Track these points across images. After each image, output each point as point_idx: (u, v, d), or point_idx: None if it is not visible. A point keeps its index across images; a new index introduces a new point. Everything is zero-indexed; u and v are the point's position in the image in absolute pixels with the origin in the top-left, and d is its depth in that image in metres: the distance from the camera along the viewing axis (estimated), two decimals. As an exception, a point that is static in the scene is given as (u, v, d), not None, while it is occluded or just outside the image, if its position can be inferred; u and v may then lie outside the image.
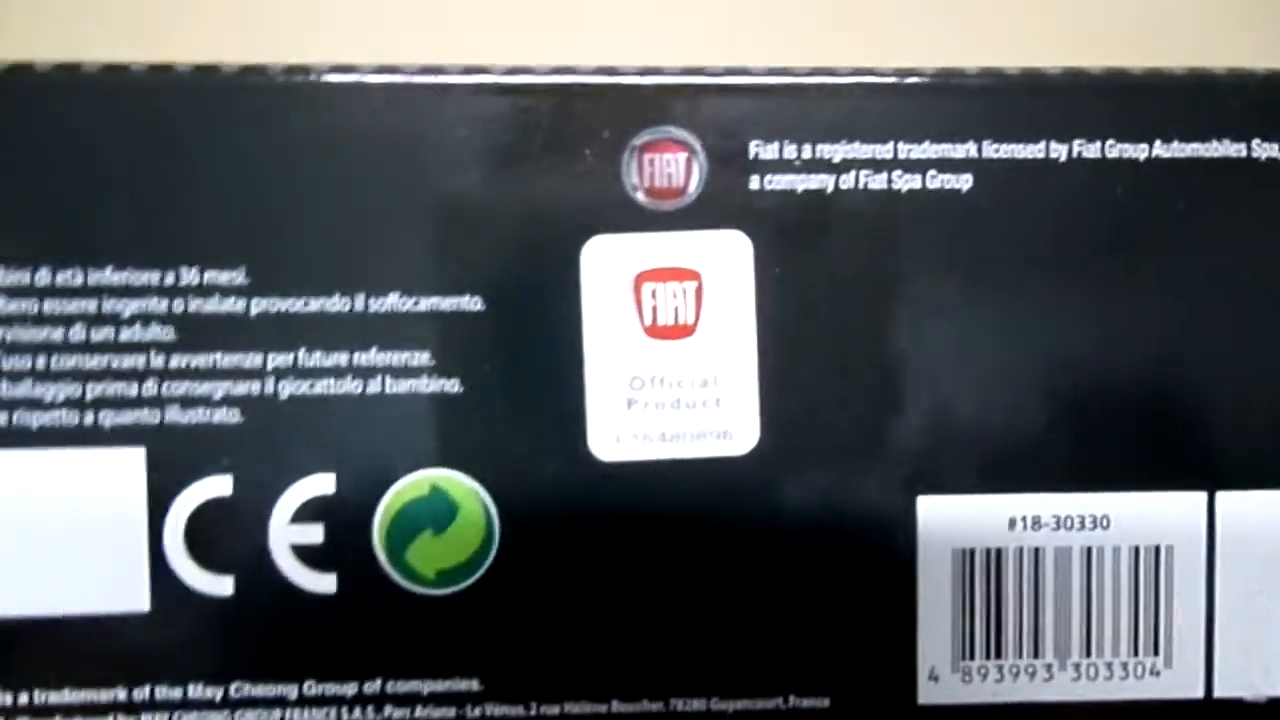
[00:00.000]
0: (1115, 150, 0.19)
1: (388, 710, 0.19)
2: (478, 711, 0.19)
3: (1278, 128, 0.19)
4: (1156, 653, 0.19)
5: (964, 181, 0.19)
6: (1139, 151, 0.19)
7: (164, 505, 0.18)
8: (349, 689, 0.19)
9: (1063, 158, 0.19)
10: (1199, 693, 0.20)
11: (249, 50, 0.19)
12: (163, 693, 0.18)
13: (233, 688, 0.18)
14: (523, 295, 0.19)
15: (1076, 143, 0.19)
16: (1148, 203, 0.19)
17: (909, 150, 0.19)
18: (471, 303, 0.19)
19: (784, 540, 0.19)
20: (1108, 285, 0.19)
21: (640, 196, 0.19)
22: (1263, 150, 0.19)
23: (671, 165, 0.19)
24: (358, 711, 0.19)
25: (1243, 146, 0.19)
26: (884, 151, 0.19)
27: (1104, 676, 0.19)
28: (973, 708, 0.19)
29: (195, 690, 0.18)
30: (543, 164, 0.18)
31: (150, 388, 0.18)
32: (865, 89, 0.19)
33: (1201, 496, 0.19)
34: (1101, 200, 0.19)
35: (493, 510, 0.19)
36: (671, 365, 0.19)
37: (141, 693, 0.18)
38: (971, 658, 0.19)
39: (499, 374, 0.19)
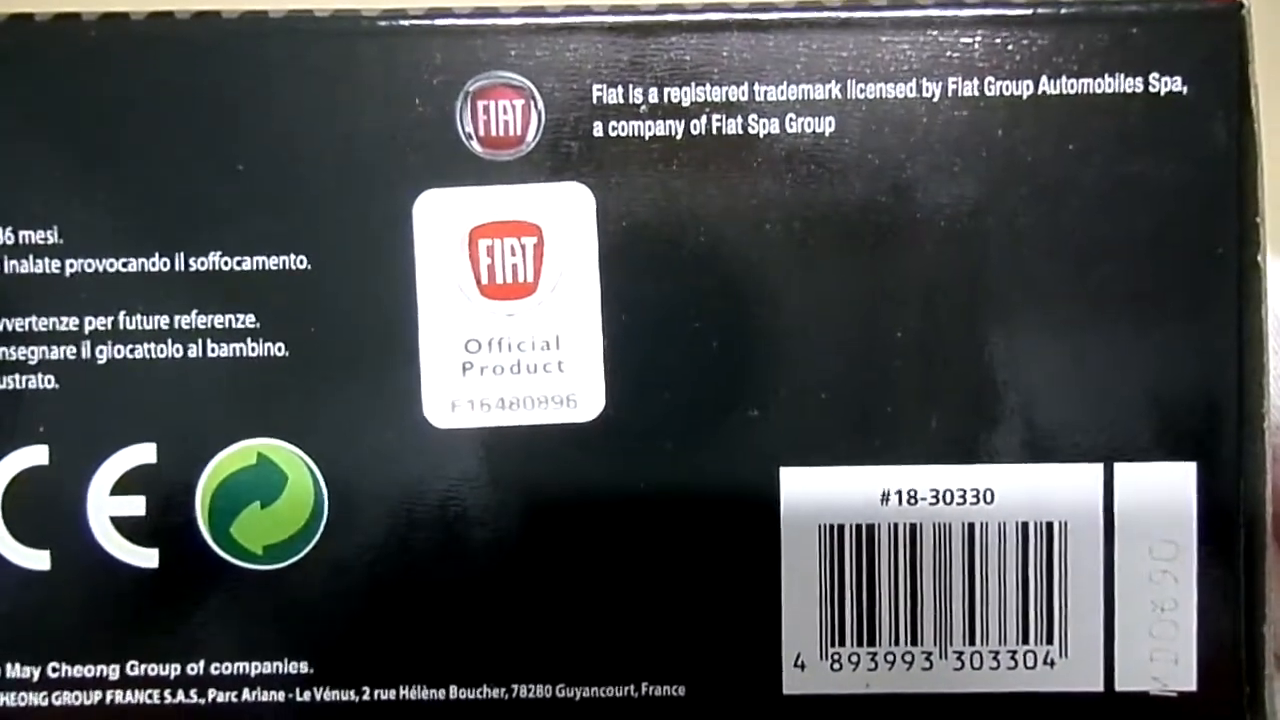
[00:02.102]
0: (995, 88, 0.17)
1: (212, 693, 0.18)
2: (307, 696, 0.18)
3: (1179, 59, 0.17)
4: (1050, 640, 0.18)
5: (826, 125, 0.17)
6: (1022, 89, 0.17)
7: (-22, 475, 0.17)
8: (172, 670, 0.18)
9: (936, 98, 0.17)
10: (1098, 685, 0.18)
11: None
12: (-22, 672, 0.18)
13: (50, 667, 0.18)
14: (351, 253, 0.17)
15: (951, 81, 0.17)
16: (1033, 146, 0.17)
17: (765, 92, 0.17)
18: (297, 262, 0.17)
19: (633, 514, 0.18)
20: (989, 238, 0.17)
21: (475, 146, 0.17)
22: (1162, 84, 0.17)
23: (508, 113, 0.17)
24: (181, 694, 0.18)
25: (1139, 81, 0.17)
26: (739, 94, 0.17)
27: (990, 666, 0.18)
28: (843, 698, 0.18)
29: (11, 670, 0.18)
30: (369, 114, 0.17)
31: (-37, 353, 0.17)
32: (717, 26, 0.17)
33: (1097, 469, 0.18)
34: (980, 144, 0.17)
35: (321, 481, 0.18)
36: (510, 327, 0.18)
37: (-45, 671, 0.18)
38: (842, 644, 0.18)
39: (327, 337, 0.17)
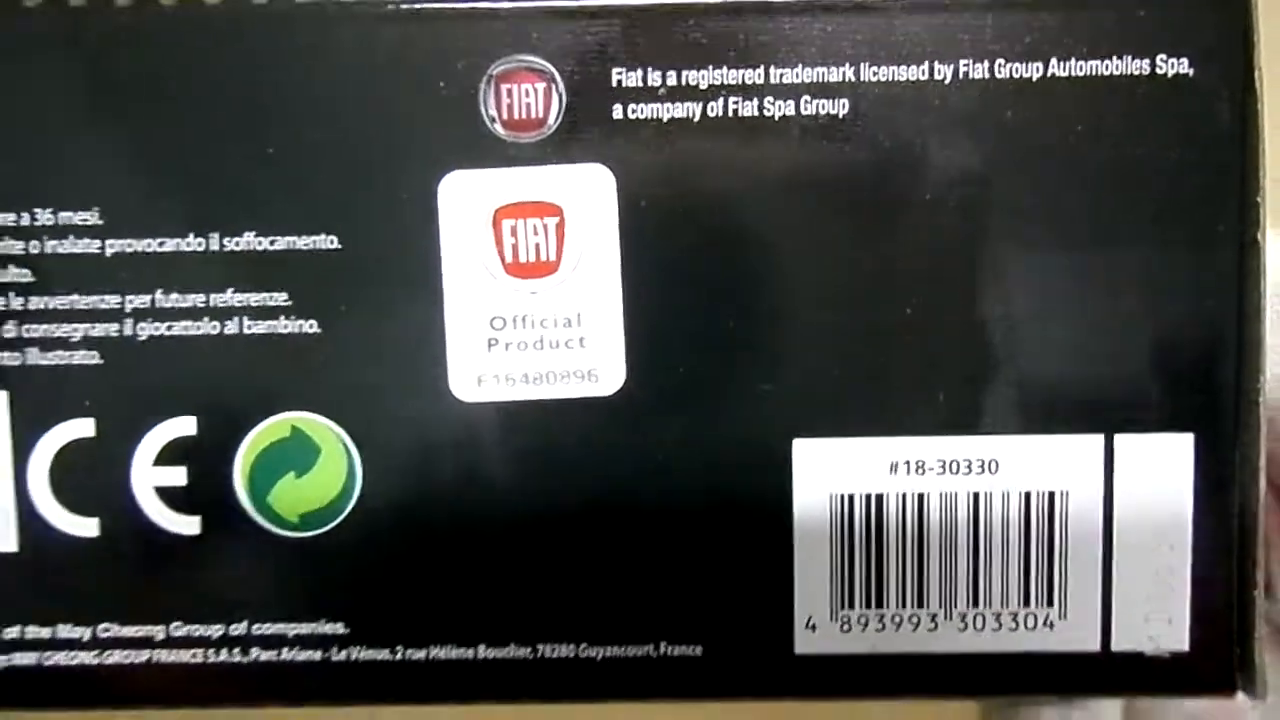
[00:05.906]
0: (1005, 70, 0.18)
1: (254, 652, 0.19)
2: (343, 655, 0.19)
3: (1186, 42, 0.18)
4: (1050, 603, 0.18)
5: (840, 107, 0.18)
6: (1031, 71, 0.18)
7: (27, 447, 0.18)
8: (215, 630, 0.19)
9: (948, 79, 0.18)
10: (1095, 646, 0.19)
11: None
12: (32, 632, 0.19)
13: (100, 628, 0.19)
14: (379, 233, 0.18)
15: (962, 63, 0.18)
16: (1042, 127, 0.18)
17: (781, 75, 0.18)
18: (327, 241, 0.18)
19: (653, 483, 0.18)
20: (997, 216, 0.18)
21: (498, 129, 0.18)
22: (1169, 66, 0.18)
23: (530, 95, 0.18)
24: (224, 653, 0.19)
25: (1146, 63, 0.18)
26: (754, 77, 0.18)
27: (992, 628, 0.19)
28: (852, 658, 0.19)
29: (64, 630, 0.19)
30: (395, 97, 0.18)
31: (10, 330, 0.18)
32: (733, 10, 0.18)
33: (1098, 440, 0.18)
34: (990, 125, 0.18)
35: (354, 452, 0.18)
36: (533, 304, 0.18)
37: (11, 632, 0.19)
38: (851, 606, 0.19)
39: (357, 314, 0.18)
